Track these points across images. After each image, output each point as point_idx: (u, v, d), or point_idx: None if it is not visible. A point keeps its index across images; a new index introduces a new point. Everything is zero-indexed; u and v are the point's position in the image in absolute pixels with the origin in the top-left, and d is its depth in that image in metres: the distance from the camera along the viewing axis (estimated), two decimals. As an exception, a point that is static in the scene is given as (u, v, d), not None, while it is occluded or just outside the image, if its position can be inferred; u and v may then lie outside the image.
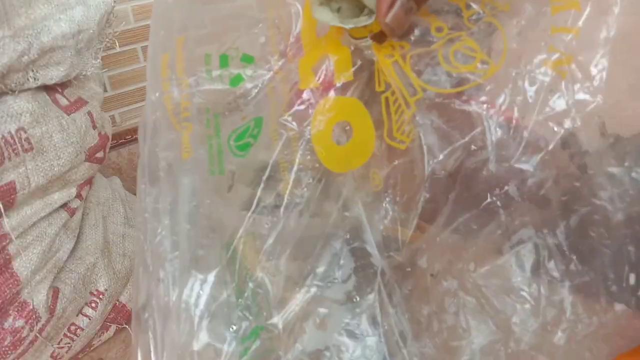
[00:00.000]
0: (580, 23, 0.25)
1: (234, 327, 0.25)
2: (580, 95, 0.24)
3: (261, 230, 0.27)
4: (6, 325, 0.75)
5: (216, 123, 0.31)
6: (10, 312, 0.75)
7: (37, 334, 0.79)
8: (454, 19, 0.27)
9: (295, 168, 0.28)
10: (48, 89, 0.78)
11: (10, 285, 0.74)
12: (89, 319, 0.88)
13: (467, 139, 0.26)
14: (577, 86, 0.25)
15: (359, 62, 0.28)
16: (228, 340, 0.24)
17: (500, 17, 0.26)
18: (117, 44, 1.07)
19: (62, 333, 0.85)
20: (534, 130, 0.25)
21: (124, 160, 1.26)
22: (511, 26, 0.26)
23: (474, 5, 0.26)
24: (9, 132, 0.70)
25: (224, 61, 0.31)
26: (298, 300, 0.25)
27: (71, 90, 0.84)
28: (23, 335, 0.76)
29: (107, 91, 1.17)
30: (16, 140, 0.71)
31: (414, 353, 0.24)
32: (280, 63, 0.30)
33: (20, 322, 0.76)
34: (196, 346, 0.25)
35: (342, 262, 0.26)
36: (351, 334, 0.24)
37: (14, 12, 0.68)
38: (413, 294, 0.26)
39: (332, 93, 0.28)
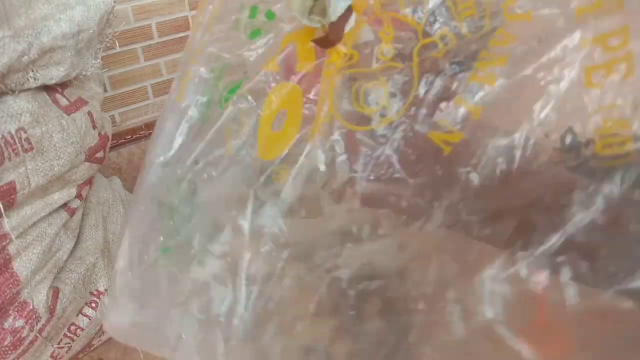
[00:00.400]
0: (497, 83, 0.23)
1: (161, 239, 0.29)
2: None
3: (198, 180, 0.29)
4: (6, 325, 0.75)
5: (220, 73, 0.31)
6: (10, 312, 0.75)
7: (37, 334, 0.79)
8: (406, 44, 0.26)
9: (237, 139, 0.28)
10: (48, 89, 0.78)
11: (10, 285, 0.74)
12: (89, 319, 0.88)
13: (346, 174, 0.25)
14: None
15: (323, 57, 0.28)
16: (153, 247, 0.30)
17: (429, 63, 0.25)
18: (117, 44, 1.07)
19: (62, 333, 0.85)
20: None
21: (124, 160, 1.26)
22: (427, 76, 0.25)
23: (431, 33, 0.25)
24: (9, 132, 0.70)
25: (253, 12, 0.30)
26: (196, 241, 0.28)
27: (71, 90, 0.84)
28: (23, 335, 0.76)
29: (107, 91, 1.17)
30: (16, 140, 0.71)
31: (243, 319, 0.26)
32: (288, 28, 0.29)
33: (20, 322, 0.76)
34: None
35: (223, 238, 0.27)
36: (223, 281, 0.27)
37: (14, 12, 0.68)
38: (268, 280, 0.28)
39: (292, 79, 0.28)
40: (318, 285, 0.26)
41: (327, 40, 0.27)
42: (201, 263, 0.27)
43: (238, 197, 0.27)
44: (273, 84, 0.28)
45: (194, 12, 1.26)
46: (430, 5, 0.25)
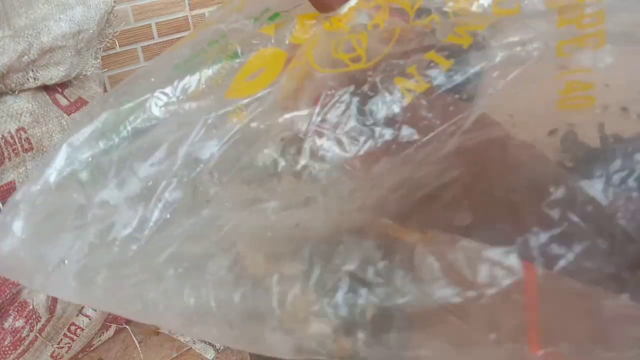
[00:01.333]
0: (471, 42, 0.23)
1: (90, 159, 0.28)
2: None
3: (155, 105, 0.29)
4: (6, 325, 0.75)
5: (223, 51, 0.31)
6: (10, 312, 0.75)
7: (37, 334, 0.79)
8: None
9: (210, 67, 0.29)
10: (48, 89, 0.78)
11: (10, 285, 0.74)
12: (89, 319, 0.88)
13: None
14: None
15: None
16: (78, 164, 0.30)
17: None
18: (117, 44, 1.07)
19: (62, 333, 0.85)
20: None
21: (124, 160, 1.26)
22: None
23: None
24: (9, 132, 0.70)
25: (274, 16, 0.31)
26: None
27: (71, 90, 0.84)
28: (23, 335, 0.76)
29: (107, 91, 1.17)
30: (16, 140, 0.71)
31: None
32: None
33: (20, 322, 0.76)
34: None
35: (155, 159, 0.28)
36: (134, 205, 0.28)
37: (14, 12, 0.68)
38: None
39: (282, 47, 0.28)
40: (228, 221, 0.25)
41: (322, 3, 0.28)
42: (121, 184, 0.26)
43: (187, 122, 0.26)
44: (268, 45, 0.29)
45: (194, 12, 1.26)
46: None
